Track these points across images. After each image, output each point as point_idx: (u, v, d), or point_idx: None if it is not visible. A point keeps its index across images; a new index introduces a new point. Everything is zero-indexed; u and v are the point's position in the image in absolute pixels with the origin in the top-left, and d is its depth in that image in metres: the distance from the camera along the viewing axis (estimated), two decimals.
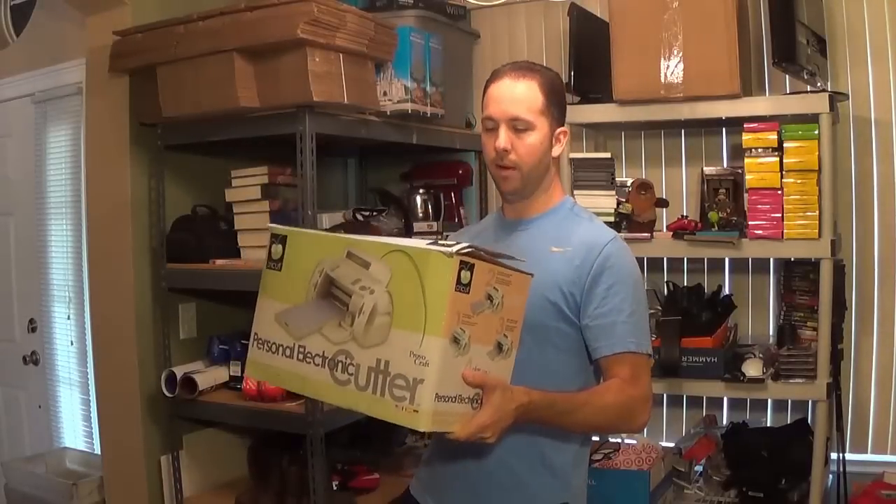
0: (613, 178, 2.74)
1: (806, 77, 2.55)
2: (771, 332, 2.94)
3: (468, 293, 1.33)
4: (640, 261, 3.02)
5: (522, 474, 1.64)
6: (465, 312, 1.33)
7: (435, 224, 2.91)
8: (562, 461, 1.66)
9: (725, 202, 2.75)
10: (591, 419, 1.55)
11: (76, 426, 3.55)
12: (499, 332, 1.41)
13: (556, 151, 1.70)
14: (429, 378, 1.30)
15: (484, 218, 1.97)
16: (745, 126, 2.55)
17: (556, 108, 1.68)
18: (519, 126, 1.63)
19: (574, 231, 1.67)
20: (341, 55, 2.36)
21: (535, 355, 1.58)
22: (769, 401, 2.93)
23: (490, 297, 1.37)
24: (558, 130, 1.69)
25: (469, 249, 1.32)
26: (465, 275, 1.32)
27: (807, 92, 2.60)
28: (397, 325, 1.35)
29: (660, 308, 2.82)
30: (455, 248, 1.31)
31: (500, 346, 1.41)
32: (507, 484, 1.64)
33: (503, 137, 1.63)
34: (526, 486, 1.64)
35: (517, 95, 1.64)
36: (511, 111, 1.63)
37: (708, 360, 2.60)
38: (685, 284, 2.93)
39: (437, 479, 1.74)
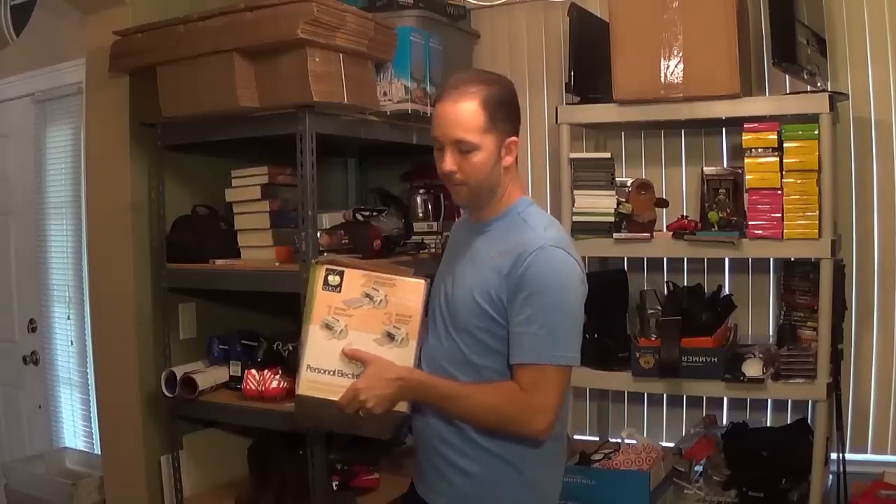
0: (613, 178, 2.74)
1: (806, 77, 2.55)
2: (771, 332, 2.94)
3: (339, 292, 1.72)
4: (639, 261, 3.07)
5: (475, 465, 1.72)
6: (336, 306, 1.71)
7: (435, 224, 2.91)
8: (512, 452, 1.70)
9: (725, 202, 2.74)
10: (474, 413, 1.67)
11: (76, 426, 3.55)
12: (387, 324, 1.73)
13: (507, 161, 1.73)
14: (302, 354, 1.70)
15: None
16: (745, 126, 2.55)
17: (502, 122, 1.69)
18: (463, 147, 1.68)
19: (514, 238, 1.70)
20: (341, 55, 2.36)
21: (468, 355, 1.70)
22: (769, 401, 2.93)
23: (369, 296, 1.73)
24: (508, 141, 1.72)
25: (336, 259, 1.77)
26: (334, 278, 1.72)
27: (807, 92, 2.60)
28: (302, 332, 1.74)
29: (660, 308, 2.82)
30: (320, 259, 1.76)
31: (390, 336, 1.72)
32: (460, 471, 1.74)
33: (448, 160, 1.70)
34: (476, 475, 1.72)
35: (458, 118, 1.67)
36: (453, 135, 1.68)
37: (708, 360, 2.60)
38: (685, 284, 2.93)
39: (419, 471, 1.87)
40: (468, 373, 1.70)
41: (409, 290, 1.74)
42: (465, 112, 1.67)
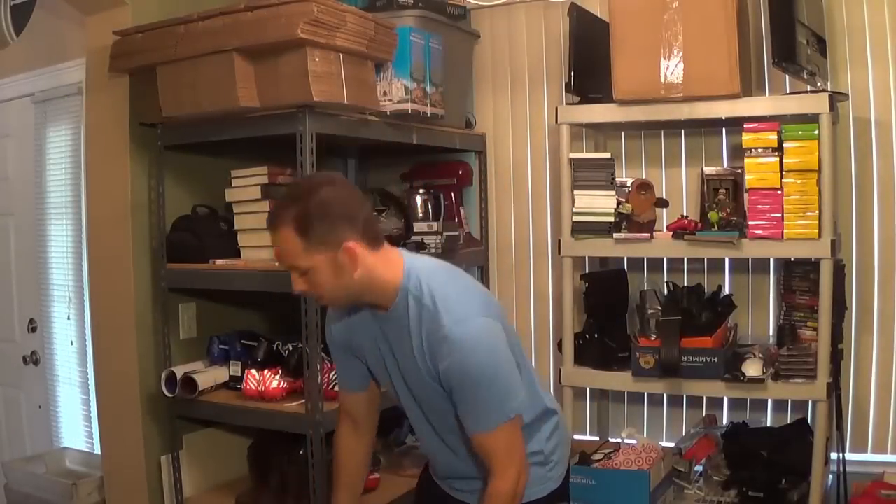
0: (613, 178, 2.74)
1: (806, 77, 2.55)
2: (771, 332, 2.93)
3: None
4: (639, 261, 3.07)
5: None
6: None
7: (435, 224, 2.91)
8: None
9: (725, 202, 2.75)
10: None
11: (76, 426, 3.55)
12: None
13: (353, 268, 1.65)
14: None
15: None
16: (745, 126, 2.55)
17: (322, 237, 1.63)
18: (299, 271, 1.67)
19: (423, 319, 1.68)
20: (341, 55, 2.36)
21: (450, 425, 1.75)
22: (769, 401, 2.93)
23: None
24: (341, 251, 1.63)
25: None
26: None
27: (807, 92, 2.60)
28: None
29: (660, 308, 2.82)
30: None
31: None
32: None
33: (295, 283, 1.70)
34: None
35: (280, 248, 1.67)
36: (285, 263, 1.68)
37: (708, 360, 2.59)
38: (685, 284, 2.93)
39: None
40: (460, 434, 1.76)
41: None
42: (283, 240, 1.65)
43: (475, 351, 1.64)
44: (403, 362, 1.76)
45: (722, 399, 3.00)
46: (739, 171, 2.66)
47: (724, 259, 2.99)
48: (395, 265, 1.72)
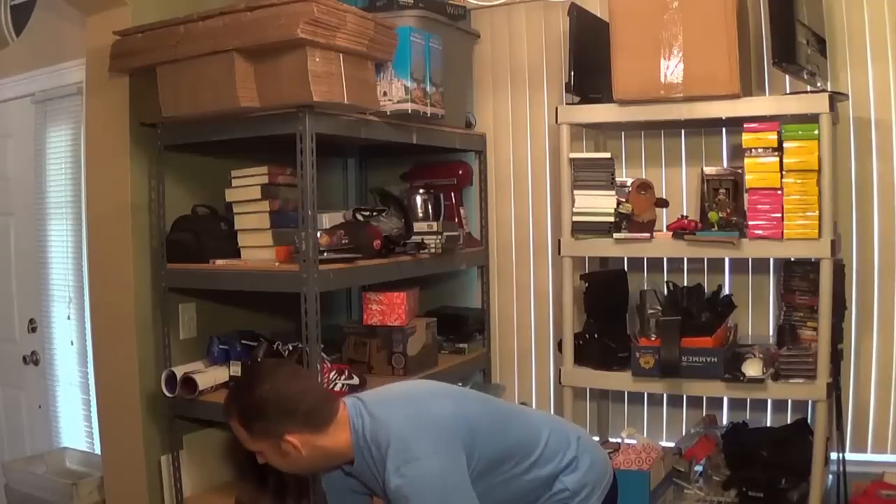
0: (613, 178, 2.74)
1: (806, 77, 2.55)
2: (771, 332, 2.94)
3: None
4: (639, 261, 3.07)
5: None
6: None
7: (435, 224, 2.91)
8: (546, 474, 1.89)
9: (725, 202, 2.75)
10: None
11: (76, 426, 3.55)
12: None
13: (301, 453, 1.78)
14: None
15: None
16: (745, 126, 2.55)
17: (262, 432, 1.79)
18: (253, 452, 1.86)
19: (378, 468, 1.77)
20: (341, 55, 2.36)
21: None
22: (769, 401, 2.93)
23: None
24: (283, 440, 1.77)
25: None
26: None
27: (807, 92, 2.61)
28: None
29: (660, 308, 2.82)
30: None
31: None
32: None
33: (257, 456, 1.87)
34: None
35: (234, 432, 1.86)
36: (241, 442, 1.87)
37: (708, 360, 2.59)
38: (685, 284, 2.93)
39: None
40: None
41: None
42: (233, 427, 1.85)
43: (420, 497, 1.68)
44: (384, 498, 1.84)
45: (722, 399, 3.00)
46: (739, 171, 2.66)
47: (724, 259, 2.99)
48: (344, 429, 1.82)
